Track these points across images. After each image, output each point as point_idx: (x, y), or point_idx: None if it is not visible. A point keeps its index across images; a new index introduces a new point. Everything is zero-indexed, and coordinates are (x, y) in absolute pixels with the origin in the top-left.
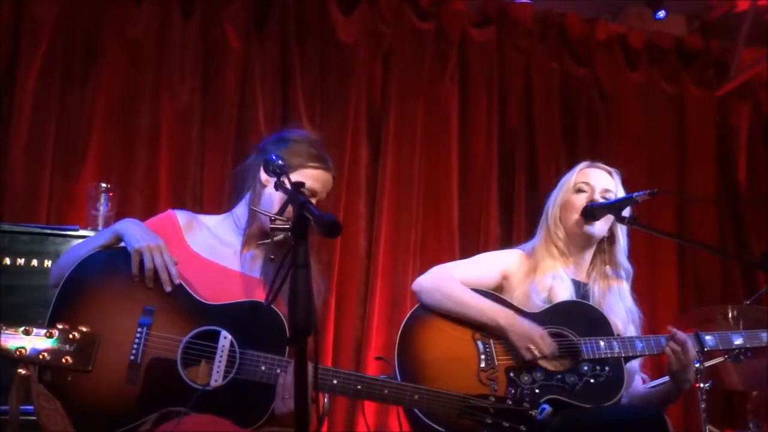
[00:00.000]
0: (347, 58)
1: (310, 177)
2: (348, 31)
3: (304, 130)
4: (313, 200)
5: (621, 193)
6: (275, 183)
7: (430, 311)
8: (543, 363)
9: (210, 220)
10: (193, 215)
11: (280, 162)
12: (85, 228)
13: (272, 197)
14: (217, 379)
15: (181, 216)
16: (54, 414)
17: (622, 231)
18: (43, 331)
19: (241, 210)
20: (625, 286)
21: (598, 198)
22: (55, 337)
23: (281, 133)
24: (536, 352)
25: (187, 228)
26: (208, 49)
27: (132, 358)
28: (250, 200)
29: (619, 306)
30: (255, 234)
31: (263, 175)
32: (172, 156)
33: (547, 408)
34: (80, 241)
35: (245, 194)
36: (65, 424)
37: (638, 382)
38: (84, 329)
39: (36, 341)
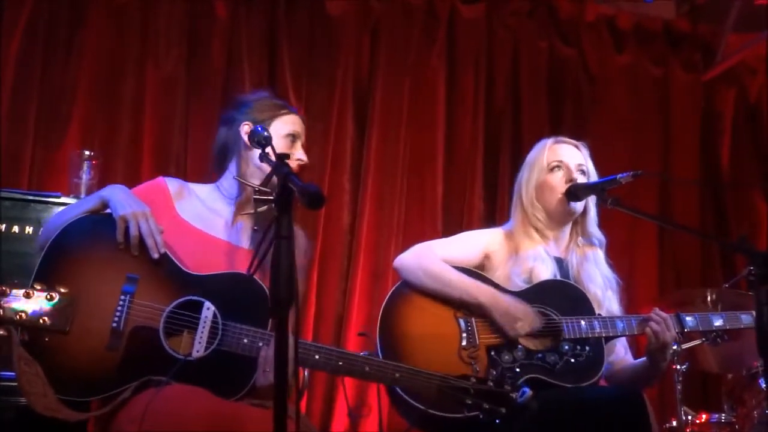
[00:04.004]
0: (335, 31)
1: (287, 122)
2: (336, 4)
3: (259, 90)
4: (298, 143)
5: (590, 165)
6: (260, 155)
7: (413, 288)
8: (524, 342)
9: (201, 190)
10: (184, 183)
11: (265, 134)
12: (67, 195)
13: (258, 167)
14: (198, 349)
15: (172, 184)
16: (35, 378)
17: (591, 202)
18: (21, 292)
19: (227, 182)
20: (600, 254)
21: (576, 174)
22: (33, 298)
23: (239, 99)
24: (520, 330)
25: (177, 196)
26: (194, 17)
27: (114, 325)
28: (237, 171)
29: (596, 273)
30: (245, 204)
31: (246, 145)
32: (156, 124)
33: (528, 391)
34: (65, 207)
35: (228, 165)
36: (45, 388)
37: (619, 348)
38: (62, 290)
39: (13, 302)
